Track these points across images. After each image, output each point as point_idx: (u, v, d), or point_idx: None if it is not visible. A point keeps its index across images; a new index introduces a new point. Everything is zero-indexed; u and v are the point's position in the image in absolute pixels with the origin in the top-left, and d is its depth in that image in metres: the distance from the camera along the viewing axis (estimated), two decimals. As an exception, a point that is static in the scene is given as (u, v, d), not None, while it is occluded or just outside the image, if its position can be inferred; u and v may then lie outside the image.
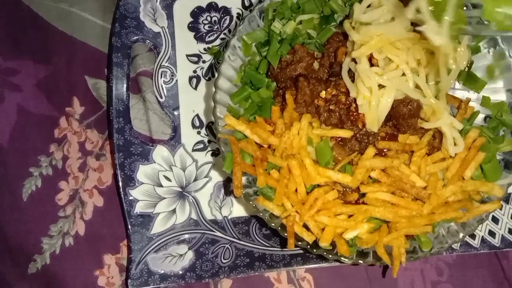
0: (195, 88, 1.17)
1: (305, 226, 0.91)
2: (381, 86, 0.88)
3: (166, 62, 1.17)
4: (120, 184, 1.10)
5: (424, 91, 0.89)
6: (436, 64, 0.88)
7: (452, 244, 0.94)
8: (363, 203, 0.91)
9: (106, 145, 1.18)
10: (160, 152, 1.14)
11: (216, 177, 1.15)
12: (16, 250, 1.12)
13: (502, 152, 0.98)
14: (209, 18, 1.20)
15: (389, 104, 0.88)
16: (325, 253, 0.91)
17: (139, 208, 1.10)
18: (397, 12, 0.90)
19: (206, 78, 1.18)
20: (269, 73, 1.01)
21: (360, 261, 0.92)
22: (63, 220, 1.14)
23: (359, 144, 0.92)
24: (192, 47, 1.19)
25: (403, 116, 0.90)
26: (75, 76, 1.21)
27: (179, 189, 1.14)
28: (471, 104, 1.00)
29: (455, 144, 0.92)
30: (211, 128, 1.16)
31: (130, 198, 1.10)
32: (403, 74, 0.88)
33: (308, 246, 0.92)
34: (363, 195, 0.91)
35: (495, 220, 1.13)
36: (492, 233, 1.12)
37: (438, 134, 0.94)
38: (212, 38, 1.19)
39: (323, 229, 0.91)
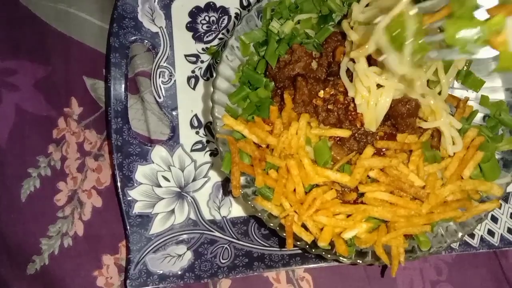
0: (194, 88, 1.17)
1: (304, 226, 0.91)
2: (379, 86, 0.88)
3: (164, 62, 1.17)
4: (119, 184, 1.10)
5: (422, 91, 0.88)
6: (435, 64, 0.88)
7: (451, 243, 0.94)
8: (362, 202, 0.91)
9: (104, 146, 1.18)
10: (158, 152, 1.13)
11: (215, 177, 1.14)
12: (15, 251, 1.12)
13: (500, 151, 0.98)
14: (207, 18, 1.20)
15: (388, 103, 0.88)
16: (323, 253, 0.91)
17: (137, 209, 1.10)
18: None
19: (205, 78, 1.18)
20: (267, 73, 1.01)
21: (359, 261, 0.92)
22: (61, 221, 1.14)
23: (358, 144, 0.92)
24: (190, 47, 1.18)
25: (401, 116, 0.90)
26: (73, 76, 1.20)
27: (178, 189, 1.13)
28: (469, 103, 1.00)
29: (453, 143, 0.92)
30: (209, 128, 1.16)
31: (129, 198, 1.10)
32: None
33: (307, 246, 0.91)
34: (362, 194, 0.91)
35: (494, 219, 1.13)
36: (491, 232, 1.12)
37: (437, 133, 0.94)
38: (210, 38, 1.19)
39: (321, 229, 0.90)
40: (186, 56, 1.18)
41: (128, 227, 1.09)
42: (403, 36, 0.76)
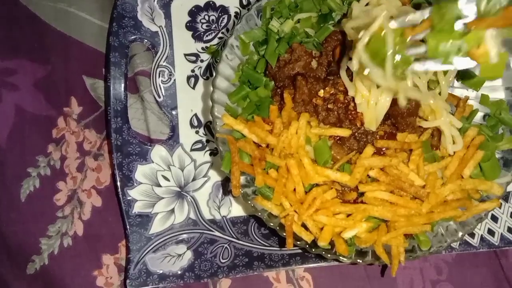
0: (193, 88, 1.17)
1: (304, 226, 0.91)
2: (379, 85, 0.88)
3: (164, 62, 1.17)
4: (119, 184, 1.09)
5: (422, 90, 0.88)
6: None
7: (451, 243, 0.94)
8: (362, 202, 0.91)
9: (104, 145, 1.18)
10: (158, 152, 1.13)
11: (215, 177, 1.14)
12: (14, 250, 1.12)
13: (501, 150, 0.98)
14: (207, 17, 1.20)
15: (388, 103, 0.88)
16: (324, 253, 0.91)
17: (137, 208, 1.10)
18: (395, 11, 0.90)
19: (204, 77, 1.18)
20: (267, 72, 1.00)
21: (359, 260, 0.92)
22: (61, 221, 1.14)
23: (358, 143, 0.92)
24: (190, 46, 1.18)
25: (401, 115, 0.90)
26: (72, 76, 1.20)
27: (178, 189, 1.13)
28: (469, 102, 1.00)
29: (453, 143, 0.92)
30: (209, 127, 1.16)
31: (129, 198, 1.10)
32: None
33: (307, 246, 0.91)
34: (362, 194, 0.91)
35: (494, 218, 1.13)
36: (491, 232, 1.12)
37: (437, 133, 0.94)
38: (210, 37, 1.19)
39: (321, 229, 0.90)
40: (185, 55, 1.18)
41: (128, 227, 1.09)
42: (383, 51, 0.77)
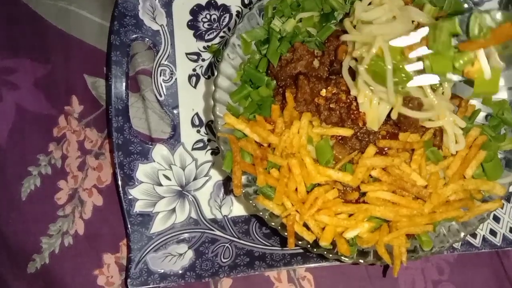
0: (195, 87, 1.17)
1: (305, 225, 0.91)
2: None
3: (165, 61, 1.16)
4: (120, 183, 1.09)
5: (425, 90, 0.88)
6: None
7: (453, 243, 0.94)
8: (364, 202, 0.91)
9: (105, 144, 1.18)
10: (159, 151, 1.13)
11: (216, 176, 1.14)
12: (15, 249, 1.12)
13: (503, 151, 0.98)
14: (208, 16, 1.19)
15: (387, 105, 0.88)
16: (325, 253, 0.91)
17: (138, 207, 1.10)
18: (398, 11, 0.90)
19: (206, 76, 1.17)
20: (269, 71, 1.00)
21: (360, 261, 0.92)
22: (62, 220, 1.14)
23: (360, 143, 0.92)
24: (192, 45, 1.18)
25: (404, 114, 0.90)
26: (73, 74, 1.20)
27: (179, 188, 1.13)
28: (472, 102, 1.00)
29: (456, 142, 0.92)
30: (210, 126, 1.15)
31: (130, 197, 1.10)
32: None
33: (309, 246, 0.91)
34: (364, 194, 0.90)
35: (496, 219, 1.13)
36: (493, 232, 1.11)
37: (439, 132, 0.93)
38: (211, 36, 1.19)
39: (323, 228, 0.90)
40: (187, 54, 1.18)
41: (129, 226, 1.08)
42: (384, 71, 0.82)
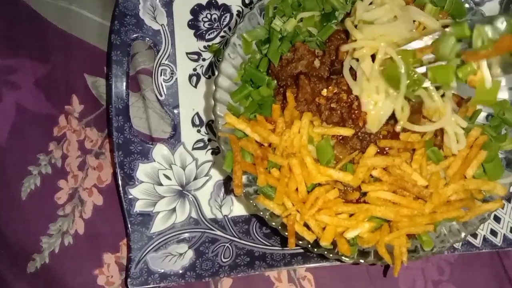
0: (195, 86, 1.17)
1: (306, 225, 0.91)
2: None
3: (166, 60, 1.16)
4: (120, 182, 1.09)
5: (430, 93, 0.88)
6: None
7: (454, 243, 0.94)
8: (364, 202, 0.90)
9: (105, 144, 1.18)
10: (160, 151, 1.13)
11: (216, 176, 1.14)
12: (15, 249, 1.12)
13: (504, 151, 0.97)
14: (209, 16, 1.19)
15: (393, 106, 0.88)
16: (326, 253, 0.91)
17: (138, 207, 1.10)
18: (399, 10, 0.90)
19: (206, 76, 1.17)
20: (269, 71, 1.00)
21: (361, 261, 0.91)
22: (62, 219, 1.14)
23: (361, 143, 0.92)
24: (192, 45, 1.18)
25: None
26: (74, 74, 1.20)
27: (179, 188, 1.13)
28: (472, 102, 0.99)
29: (457, 142, 0.92)
30: (211, 126, 1.15)
31: (130, 197, 1.09)
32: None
33: (309, 246, 0.91)
34: (364, 194, 0.90)
35: (497, 219, 1.12)
36: (494, 232, 1.11)
37: (440, 132, 0.93)
38: (212, 36, 1.19)
39: (324, 228, 0.90)
40: (187, 54, 1.17)
41: (129, 226, 1.08)
42: (396, 73, 0.84)
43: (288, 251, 1.09)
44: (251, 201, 0.92)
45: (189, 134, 1.15)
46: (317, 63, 0.98)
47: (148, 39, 1.16)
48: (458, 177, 0.91)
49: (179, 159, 1.14)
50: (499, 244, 1.11)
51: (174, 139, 1.14)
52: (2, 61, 1.20)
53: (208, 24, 1.19)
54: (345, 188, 0.91)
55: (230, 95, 0.98)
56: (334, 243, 0.90)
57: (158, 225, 1.10)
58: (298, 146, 0.89)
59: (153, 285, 1.07)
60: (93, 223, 1.14)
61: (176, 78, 1.16)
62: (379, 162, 0.88)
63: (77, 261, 1.12)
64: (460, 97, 1.00)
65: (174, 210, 1.12)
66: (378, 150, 0.90)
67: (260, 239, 1.11)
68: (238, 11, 1.20)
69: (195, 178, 1.14)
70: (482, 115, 1.01)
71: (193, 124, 1.16)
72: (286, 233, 0.90)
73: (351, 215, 0.90)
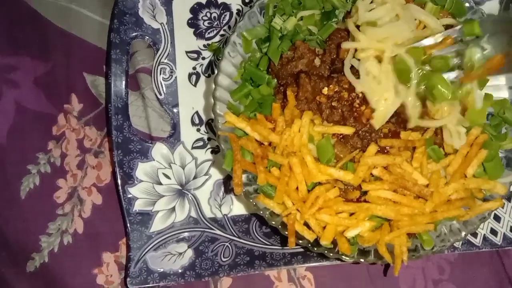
0: (195, 85, 1.17)
1: (306, 224, 0.91)
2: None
3: (165, 59, 1.16)
4: (119, 182, 1.09)
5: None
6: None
7: (454, 242, 0.94)
8: (365, 201, 0.90)
9: (104, 143, 1.17)
10: (159, 150, 1.13)
11: (216, 175, 1.14)
12: (14, 248, 1.12)
13: (504, 150, 0.97)
14: (208, 15, 1.19)
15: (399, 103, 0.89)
16: (326, 252, 0.90)
17: (138, 206, 1.09)
18: (401, 10, 0.89)
19: (206, 75, 1.17)
20: (269, 69, 1.00)
21: (361, 260, 0.91)
22: (61, 218, 1.14)
23: (361, 142, 0.91)
24: (192, 43, 1.18)
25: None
26: (73, 73, 1.20)
27: (179, 187, 1.13)
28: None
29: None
30: (210, 125, 1.15)
31: (129, 196, 1.09)
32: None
33: (309, 245, 0.91)
34: (365, 193, 0.90)
35: (497, 218, 1.12)
36: (494, 232, 1.11)
37: (440, 131, 0.93)
38: (211, 34, 1.19)
39: (324, 227, 0.90)
40: (187, 52, 1.17)
41: (128, 225, 1.08)
42: (409, 69, 0.87)
43: (288, 250, 1.09)
44: (251, 200, 0.92)
45: (189, 133, 1.15)
46: (317, 61, 0.98)
47: (147, 37, 1.16)
48: (459, 176, 0.91)
49: (178, 158, 1.13)
50: (499, 243, 1.11)
51: (173, 138, 1.14)
52: (2, 59, 1.20)
53: (208, 23, 1.19)
54: (346, 187, 0.91)
55: (230, 94, 0.98)
56: (334, 242, 0.90)
57: (157, 224, 1.10)
58: (299, 145, 0.89)
59: (152, 284, 1.07)
60: (92, 222, 1.13)
61: (176, 77, 1.16)
62: (379, 161, 0.88)
63: (77, 260, 1.12)
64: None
65: (173, 209, 1.11)
66: (379, 149, 0.90)
67: (260, 238, 1.11)
68: (238, 9, 1.19)
69: (195, 177, 1.13)
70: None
71: (193, 123, 1.15)
72: (286, 232, 0.90)
73: (351, 214, 0.90)
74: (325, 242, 0.89)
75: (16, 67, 1.20)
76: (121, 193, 1.09)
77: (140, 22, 1.15)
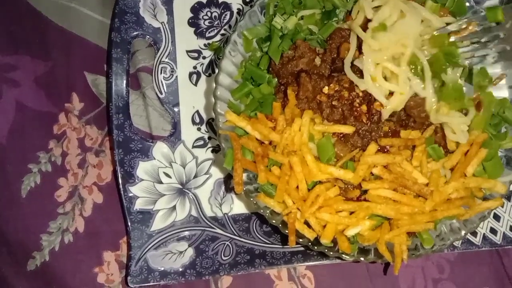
0: (195, 84, 1.17)
1: (306, 223, 0.91)
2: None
3: (166, 58, 1.16)
4: (120, 180, 1.09)
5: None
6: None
7: (454, 241, 0.94)
8: (365, 200, 0.90)
9: (105, 142, 1.18)
10: (160, 149, 1.13)
11: (217, 174, 1.14)
12: (15, 247, 1.12)
13: (504, 149, 0.97)
14: (209, 14, 1.19)
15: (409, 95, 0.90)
16: (326, 250, 0.91)
17: (138, 205, 1.10)
18: (405, 5, 0.89)
19: (206, 74, 1.17)
20: (270, 69, 1.00)
21: (361, 258, 0.92)
22: (62, 217, 1.14)
23: (362, 140, 0.92)
24: (192, 42, 1.18)
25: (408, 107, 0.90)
26: (74, 72, 1.20)
27: (179, 186, 1.13)
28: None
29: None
30: (211, 124, 1.15)
31: (130, 194, 1.09)
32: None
33: (309, 243, 0.91)
34: (365, 192, 0.90)
35: (496, 217, 1.13)
36: (493, 231, 1.11)
37: (440, 129, 0.93)
38: (212, 33, 1.19)
39: (324, 226, 0.90)
40: (188, 51, 1.17)
41: (129, 224, 1.08)
42: (443, 62, 0.89)
43: (288, 249, 1.09)
44: (252, 199, 0.92)
45: (189, 132, 1.15)
46: (318, 61, 0.98)
47: (148, 37, 1.16)
48: (459, 175, 0.91)
49: (179, 157, 1.14)
50: (498, 242, 1.11)
51: (174, 137, 1.14)
52: (3, 58, 1.20)
53: (209, 22, 1.19)
54: (346, 186, 0.92)
55: (230, 93, 0.98)
56: (334, 241, 0.91)
57: (158, 223, 1.10)
58: (299, 144, 0.89)
59: (153, 283, 1.07)
60: (93, 221, 1.14)
61: (176, 76, 1.16)
62: (379, 160, 0.88)
63: (77, 259, 1.12)
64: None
65: (174, 208, 1.12)
66: (379, 148, 0.90)
67: (260, 237, 1.11)
68: (238, 9, 1.20)
69: (195, 176, 1.14)
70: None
71: (193, 122, 1.15)
72: (287, 231, 0.90)
73: (351, 213, 0.91)
74: (325, 240, 0.89)
75: (16, 66, 1.20)
76: (121, 192, 1.09)
77: (141, 21, 1.15)
